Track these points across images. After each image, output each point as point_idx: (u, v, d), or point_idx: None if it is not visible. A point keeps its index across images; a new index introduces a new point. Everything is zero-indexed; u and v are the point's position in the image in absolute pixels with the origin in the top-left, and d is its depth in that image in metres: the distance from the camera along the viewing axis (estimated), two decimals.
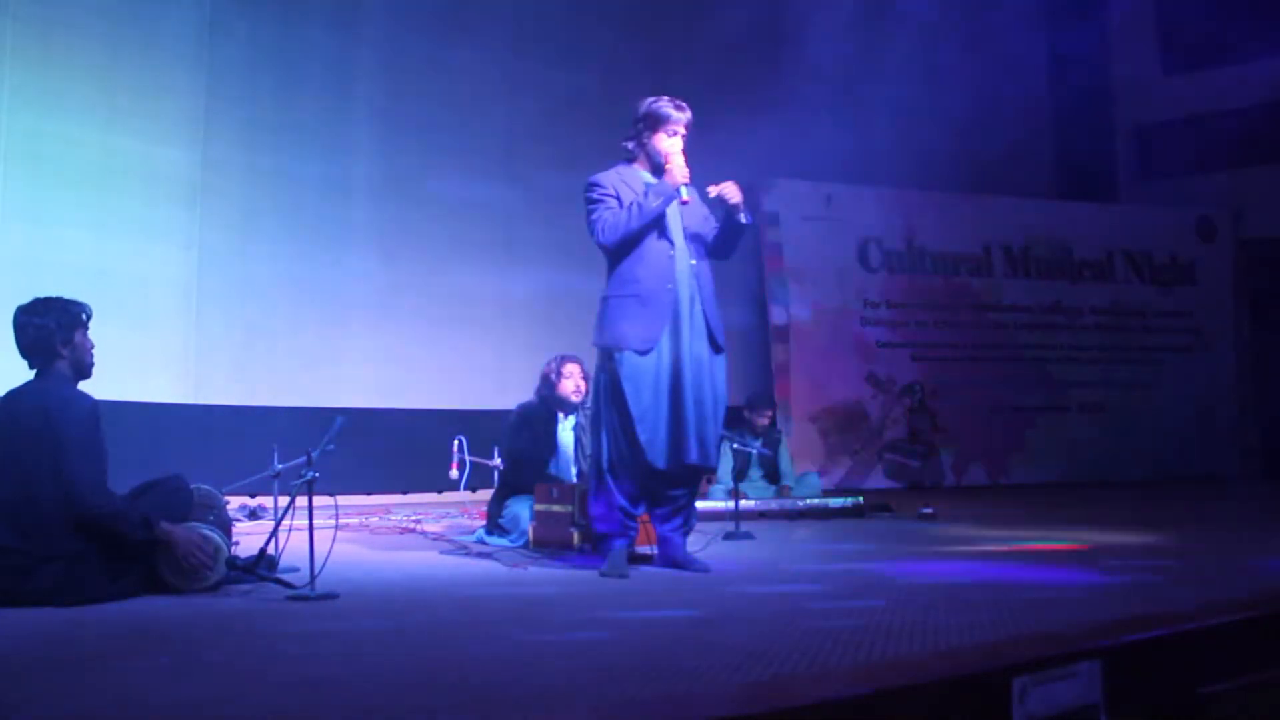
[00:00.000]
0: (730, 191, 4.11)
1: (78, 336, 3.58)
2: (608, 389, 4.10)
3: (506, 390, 7.27)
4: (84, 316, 3.60)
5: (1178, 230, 11.11)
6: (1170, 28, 11.29)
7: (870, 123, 9.11)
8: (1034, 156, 11.33)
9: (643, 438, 4.01)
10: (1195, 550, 4.78)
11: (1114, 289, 10.83)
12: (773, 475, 7.10)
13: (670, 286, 4.10)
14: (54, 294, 3.63)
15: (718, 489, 6.63)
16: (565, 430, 5.49)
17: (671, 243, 4.14)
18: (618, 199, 4.13)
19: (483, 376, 8.30)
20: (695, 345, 4.12)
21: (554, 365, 5.48)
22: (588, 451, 5.33)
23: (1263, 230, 11.00)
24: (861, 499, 6.93)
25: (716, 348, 4.21)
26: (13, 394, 3.55)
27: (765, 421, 7.15)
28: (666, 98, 4.23)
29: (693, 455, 4.06)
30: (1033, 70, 11.45)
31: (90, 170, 6.97)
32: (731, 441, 6.57)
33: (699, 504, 4.43)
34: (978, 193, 10.42)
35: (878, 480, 9.52)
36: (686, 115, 4.19)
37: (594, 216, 4.14)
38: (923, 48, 9.27)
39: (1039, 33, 11.48)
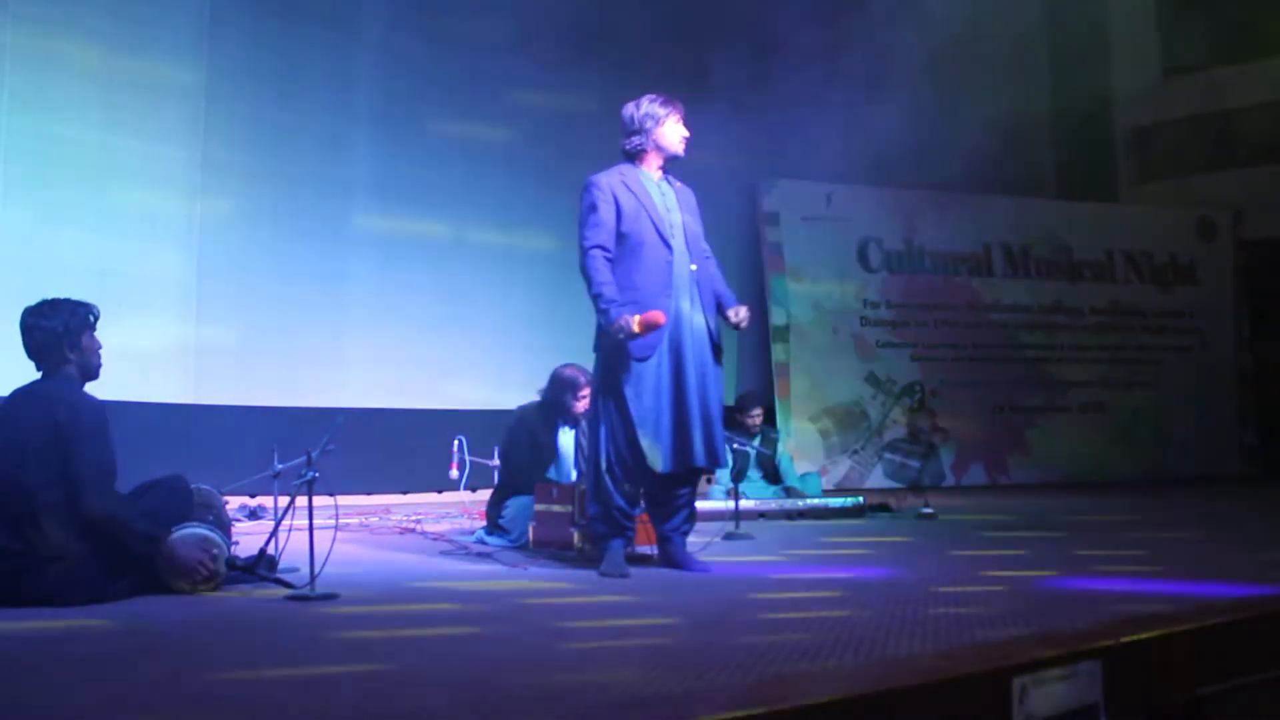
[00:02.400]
0: (740, 320, 4.25)
1: (85, 338, 3.57)
2: (607, 393, 4.10)
3: (506, 390, 7.27)
4: (91, 318, 3.60)
5: (1178, 230, 11.12)
6: (1170, 28, 11.29)
7: (870, 123, 9.10)
8: (1034, 156, 11.33)
9: (643, 441, 4.01)
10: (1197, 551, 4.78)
11: (1114, 289, 10.83)
12: (772, 475, 7.10)
13: (669, 294, 4.11)
14: (54, 294, 3.63)
15: (718, 489, 6.63)
16: (566, 435, 5.47)
17: (670, 249, 4.15)
18: (615, 202, 4.13)
19: (483, 376, 8.30)
20: (698, 350, 4.14)
21: (580, 380, 5.27)
22: (587, 454, 5.32)
23: (1263, 230, 11.00)
24: (862, 499, 6.94)
25: (717, 354, 4.22)
26: (18, 394, 3.55)
27: (756, 421, 7.15)
28: (651, 95, 4.27)
29: (700, 459, 4.08)
30: (1033, 70, 11.45)
31: (90, 170, 6.96)
32: (731, 441, 6.57)
33: (698, 504, 4.43)
34: (978, 193, 10.42)
35: (878, 480, 9.52)
36: (679, 104, 4.28)
37: (585, 230, 4.12)
38: (923, 48, 9.26)
39: (1039, 33, 11.48)
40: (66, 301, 3.58)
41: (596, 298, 4.05)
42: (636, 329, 3.92)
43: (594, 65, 8.73)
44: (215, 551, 3.54)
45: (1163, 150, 11.57)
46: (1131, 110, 11.64)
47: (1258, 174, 10.85)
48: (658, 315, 3.95)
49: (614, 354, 4.06)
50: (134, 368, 6.67)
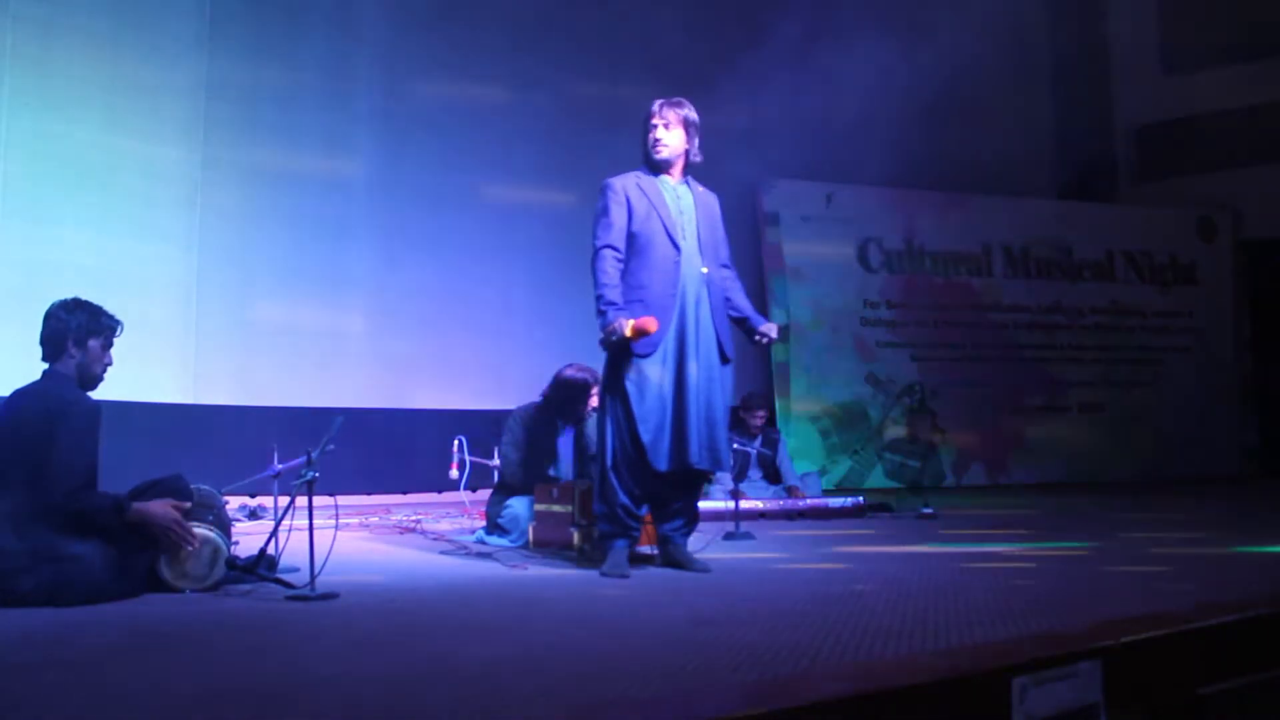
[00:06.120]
0: (771, 335, 4.42)
1: (93, 343, 3.59)
2: (613, 389, 4.13)
3: (506, 390, 7.27)
4: (110, 329, 3.62)
5: (1178, 230, 11.12)
6: (1170, 28, 11.29)
7: (870, 123, 9.10)
8: (1034, 156, 11.33)
9: (645, 439, 4.03)
10: (1196, 551, 4.78)
11: (1114, 289, 10.84)
12: (772, 475, 7.10)
13: (674, 293, 4.13)
14: (52, 296, 3.65)
15: (717, 489, 6.62)
16: (566, 435, 5.46)
17: (678, 249, 4.16)
18: (627, 204, 4.16)
19: (483, 376, 8.29)
20: (703, 351, 4.15)
21: (589, 381, 5.28)
22: (588, 455, 5.31)
23: (1263, 230, 11.00)
24: (861, 499, 6.94)
25: (724, 357, 4.23)
26: (17, 394, 3.56)
27: (759, 422, 7.15)
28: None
29: (695, 459, 4.08)
30: (1033, 70, 11.45)
31: (90, 170, 6.97)
32: (731, 441, 6.57)
33: (699, 504, 4.43)
34: (978, 193, 10.42)
35: (878, 480, 9.52)
36: (655, 103, 4.29)
37: (597, 230, 4.17)
38: (923, 48, 9.26)
39: (1039, 33, 11.48)
40: (94, 306, 3.63)
41: (598, 298, 4.11)
42: (628, 333, 3.96)
43: (596, 67, 8.74)
44: (186, 507, 3.54)
45: (1163, 150, 11.56)
46: (1131, 110, 11.64)
47: (1258, 174, 10.85)
48: (650, 322, 3.98)
49: (620, 351, 4.09)
50: (134, 368, 6.66)
